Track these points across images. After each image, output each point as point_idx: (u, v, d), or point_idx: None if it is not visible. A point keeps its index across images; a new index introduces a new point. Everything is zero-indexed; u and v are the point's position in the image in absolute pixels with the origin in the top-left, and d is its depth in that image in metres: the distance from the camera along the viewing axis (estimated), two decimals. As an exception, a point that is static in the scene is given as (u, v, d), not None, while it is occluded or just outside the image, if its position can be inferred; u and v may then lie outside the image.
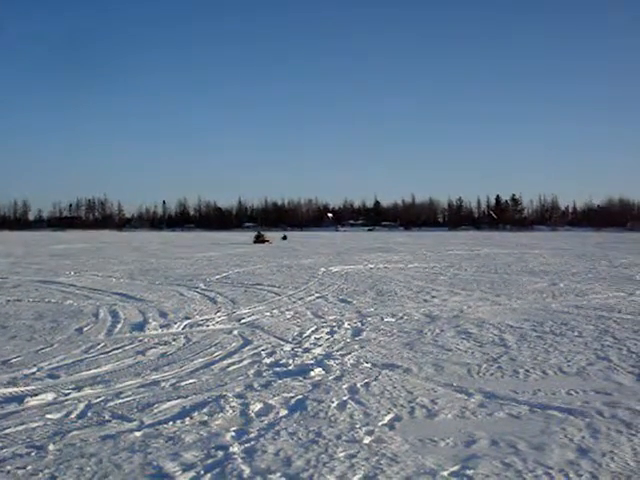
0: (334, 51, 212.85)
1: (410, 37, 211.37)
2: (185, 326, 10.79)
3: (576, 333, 10.10)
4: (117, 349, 8.88)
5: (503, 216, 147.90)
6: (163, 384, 6.99)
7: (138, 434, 5.40)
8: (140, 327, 10.69)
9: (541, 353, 8.65)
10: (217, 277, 20.34)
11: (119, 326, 10.76)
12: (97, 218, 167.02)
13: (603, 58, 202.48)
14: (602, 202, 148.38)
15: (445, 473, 4.56)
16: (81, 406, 6.19)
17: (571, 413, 5.97)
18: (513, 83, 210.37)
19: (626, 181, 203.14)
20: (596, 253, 37.42)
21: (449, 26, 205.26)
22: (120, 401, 6.36)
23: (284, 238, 66.50)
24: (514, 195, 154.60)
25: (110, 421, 5.74)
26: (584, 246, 49.80)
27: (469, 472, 4.58)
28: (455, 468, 4.66)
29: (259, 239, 58.26)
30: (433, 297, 14.92)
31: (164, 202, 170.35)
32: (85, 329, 10.48)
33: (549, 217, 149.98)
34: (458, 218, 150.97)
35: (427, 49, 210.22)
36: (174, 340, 9.54)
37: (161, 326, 10.76)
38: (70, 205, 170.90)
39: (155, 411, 6.02)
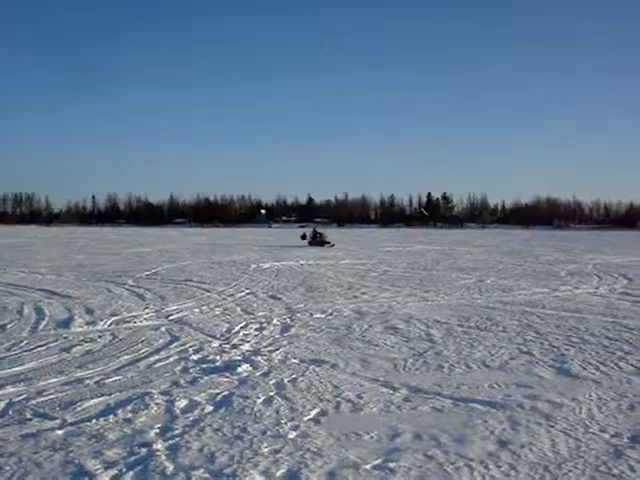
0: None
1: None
2: (112, 323, 10.63)
3: (500, 328, 10.33)
4: (41, 346, 8.70)
5: (434, 214, 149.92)
6: (87, 381, 6.88)
7: (60, 432, 5.31)
8: (65, 324, 10.49)
9: (466, 348, 8.82)
10: (146, 273, 20.10)
11: (44, 323, 10.54)
12: (24, 213, 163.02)
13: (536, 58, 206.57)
14: (530, 201, 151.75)
15: (368, 466, 4.63)
16: (1, 405, 6.05)
17: (493, 406, 6.11)
18: (442, 81, 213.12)
19: (553, 181, 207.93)
20: (523, 250, 38.29)
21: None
22: (42, 399, 6.24)
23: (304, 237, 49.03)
24: (445, 193, 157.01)
25: (31, 420, 5.63)
26: (512, 243, 50.90)
27: (392, 465, 4.65)
28: (378, 461, 4.72)
29: (316, 240, 40.98)
30: (363, 293, 15.06)
31: (93, 197, 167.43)
32: (8, 326, 10.22)
33: (479, 215, 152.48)
34: (390, 215, 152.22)
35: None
36: (100, 337, 9.40)
37: (87, 323, 10.58)
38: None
39: (78, 409, 5.93)
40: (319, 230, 44.69)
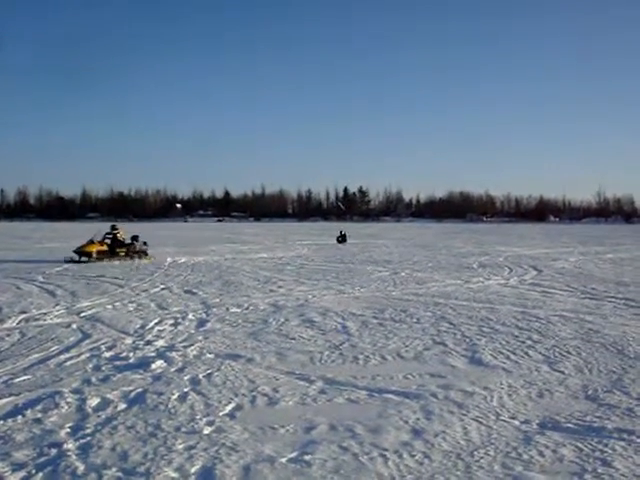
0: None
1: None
2: (21, 321, 10.32)
3: (415, 319, 10.48)
4: (-56, 346, 8.39)
5: (351, 207, 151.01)
6: (-6, 382, 6.67)
7: (-35, 435, 5.13)
8: (-29, 323, 10.15)
9: (381, 339, 8.91)
10: (57, 269, 19.61)
11: (-52, 322, 10.16)
12: None
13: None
14: (444, 195, 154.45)
15: (283, 460, 4.62)
16: None
17: (407, 396, 6.20)
18: (351, 76, 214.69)
19: (466, 176, 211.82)
20: (437, 243, 38.98)
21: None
22: (-54, 401, 6.02)
23: (342, 239, 39.04)
24: (361, 187, 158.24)
25: None
26: (426, 236, 51.77)
27: (307, 457, 4.66)
28: (294, 454, 4.72)
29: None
30: (279, 287, 15.05)
31: (2, 190, 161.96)
32: None
33: (394, 208, 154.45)
34: (308, 209, 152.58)
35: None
36: (8, 336, 9.11)
37: (-6, 321, 10.25)
38: None
39: (-16, 410, 5.75)
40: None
